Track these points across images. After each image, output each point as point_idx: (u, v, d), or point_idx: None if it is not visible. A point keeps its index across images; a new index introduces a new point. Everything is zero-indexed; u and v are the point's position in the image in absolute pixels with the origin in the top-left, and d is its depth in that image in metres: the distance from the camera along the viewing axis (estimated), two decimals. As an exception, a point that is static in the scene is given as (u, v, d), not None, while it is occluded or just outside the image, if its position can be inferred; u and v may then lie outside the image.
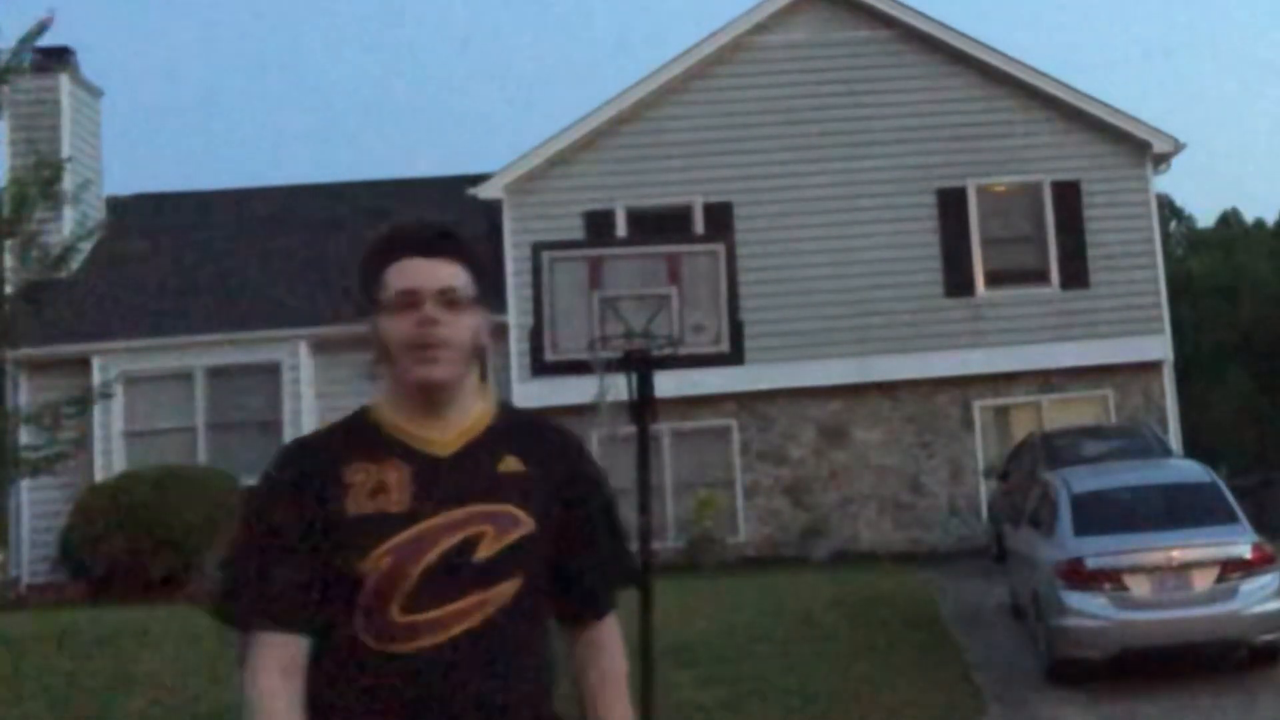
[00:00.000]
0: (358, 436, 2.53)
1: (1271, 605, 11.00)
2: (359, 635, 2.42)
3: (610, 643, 2.67)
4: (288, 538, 2.45)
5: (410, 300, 2.49)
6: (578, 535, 2.59)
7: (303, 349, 20.15)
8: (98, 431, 19.30)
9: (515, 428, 2.61)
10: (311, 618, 2.43)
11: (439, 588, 2.42)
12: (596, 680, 2.64)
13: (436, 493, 2.47)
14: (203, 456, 19.67)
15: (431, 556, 2.43)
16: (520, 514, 2.50)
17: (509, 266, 20.21)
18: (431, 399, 2.52)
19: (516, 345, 19.71)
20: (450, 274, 2.52)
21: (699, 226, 20.28)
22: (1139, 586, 11.02)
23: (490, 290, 2.65)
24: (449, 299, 2.50)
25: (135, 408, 19.73)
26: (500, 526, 2.48)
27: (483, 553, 2.45)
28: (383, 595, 2.42)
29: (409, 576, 2.42)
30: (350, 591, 2.42)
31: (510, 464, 2.54)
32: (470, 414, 2.57)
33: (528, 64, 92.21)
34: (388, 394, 2.57)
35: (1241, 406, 39.82)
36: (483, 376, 2.68)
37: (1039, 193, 21.23)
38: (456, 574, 2.43)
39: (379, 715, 2.41)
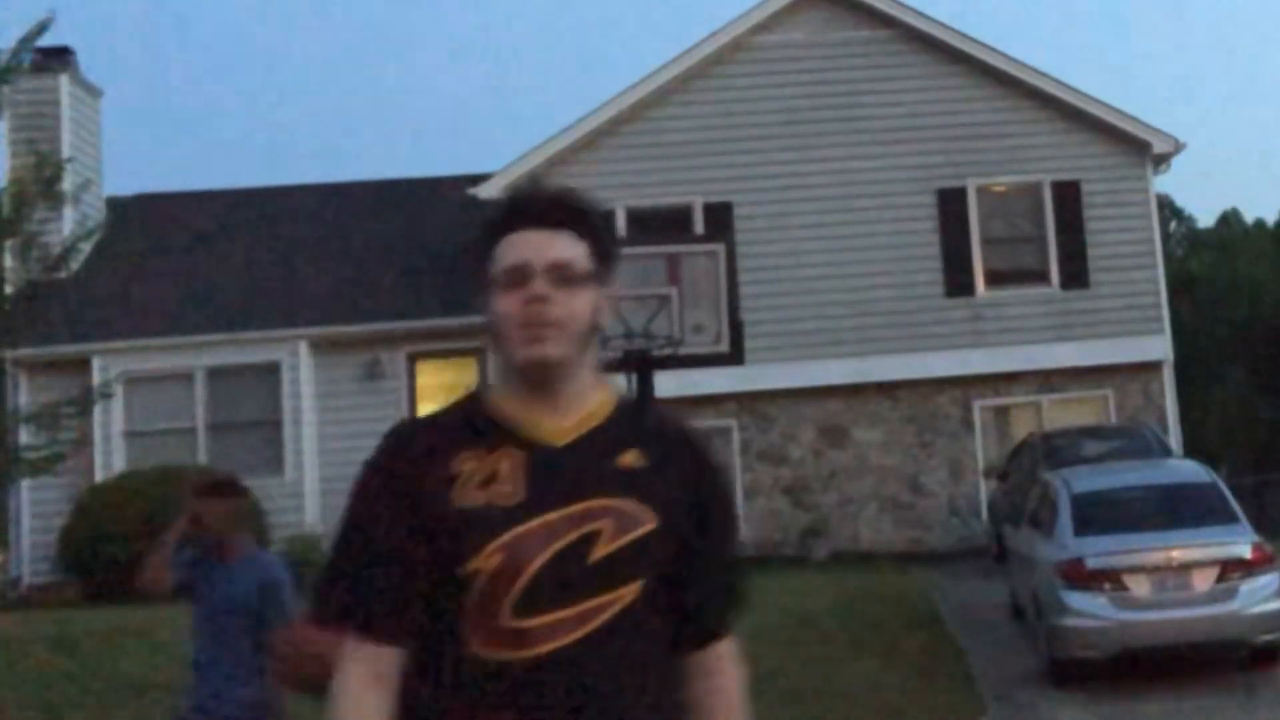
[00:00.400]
0: (468, 421, 2.31)
1: (1271, 605, 10.99)
2: (465, 641, 2.21)
3: (728, 670, 2.40)
4: (387, 537, 2.25)
5: (520, 276, 2.26)
6: (697, 544, 2.32)
7: (303, 349, 20.14)
8: (98, 431, 19.29)
9: (638, 419, 2.37)
10: (408, 626, 2.24)
11: (553, 590, 2.20)
12: (711, 715, 2.37)
13: (552, 485, 2.25)
14: (203, 456, 19.65)
15: (546, 554, 2.20)
16: (642, 511, 2.25)
17: (509, 266, 20.19)
18: (543, 382, 2.29)
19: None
20: (565, 247, 2.29)
21: (699, 226, 20.27)
22: (1139, 586, 11.02)
23: (613, 264, 2.40)
24: (562, 275, 2.27)
25: (135, 408, 19.73)
26: (620, 523, 2.24)
27: (601, 551, 2.22)
28: (492, 597, 2.20)
29: (521, 577, 2.20)
30: (457, 593, 2.21)
31: (631, 458, 2.29)
32: (588, 401, 2.33)
33: (528, 64, 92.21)
34: (501, 377, 2.37)
35: (1241, 406, 39.82)
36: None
37: (1039, 193, 21.22)
38: (572, 574, 2.21)
39: None
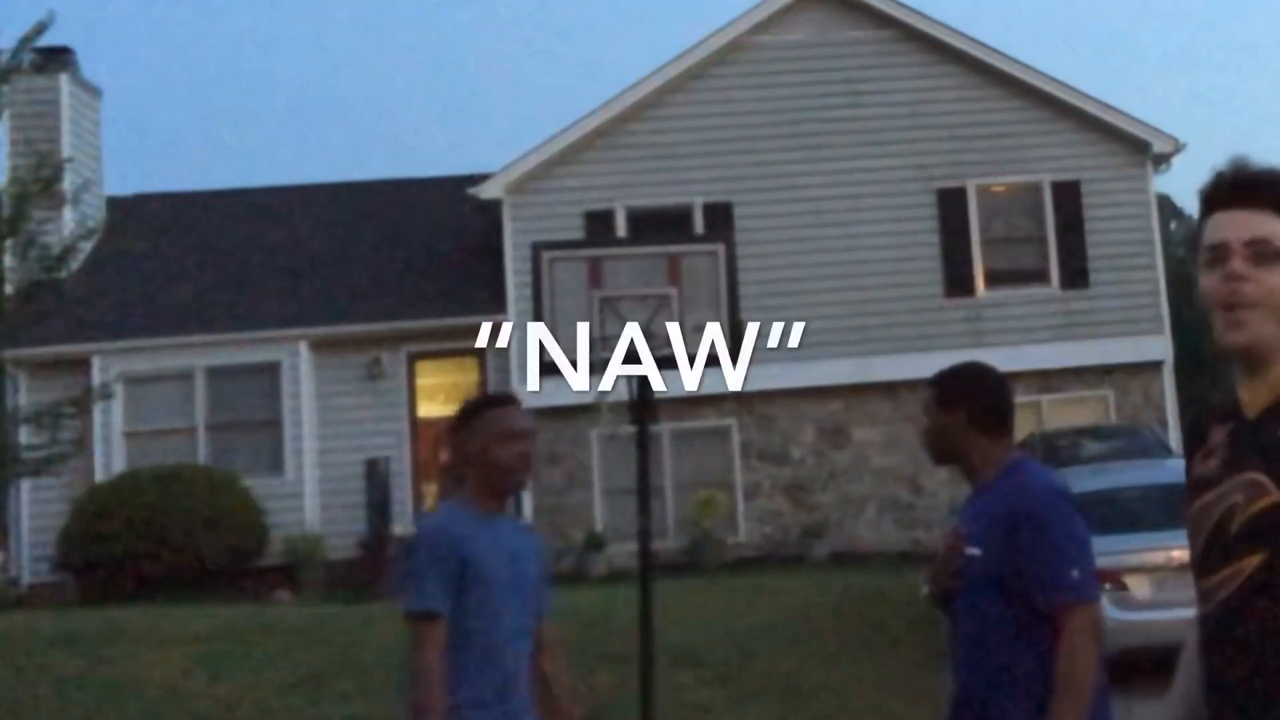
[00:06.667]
0: (1226, 396, 2.45)
1: (1272, 605, 10.97)
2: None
3: None
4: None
5: (1219, 255, 2.29)
6: None
7: (303, 349, 20.15)
8: (98, 431, 19.29)
9: None
10: None
11: (1214, 555, 2.37)
12: None
13: (1238, 456, 2.32)
14: (203, 456, 19.67)
15: (1211, 521, 2.37)
16: (1267, 483, 2.26)
17: (509, 266, 20.22)
18: (1245, 362, 2.34)
19: (516, 345, 19.72)
20: (1259, 224, 2.27)
21: (699, 226, 20.27)
22: (1139, 587, 11.03)
23: None
24: (1259, 252, 2.26)
25: (135, 408, 19.73)
26: (1248, 496, 2.29)
27: (1237, 522, 2.31)
28: (1191, 557, 2.49)
29: (1197, 540, 2.42)
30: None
31: None
32: None
33: (528, 63, 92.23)
34: None
35: (1241, 406, 39.78)
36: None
37: (1039, 193, 21.23)
38: (1221, 543, 2.34)
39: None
